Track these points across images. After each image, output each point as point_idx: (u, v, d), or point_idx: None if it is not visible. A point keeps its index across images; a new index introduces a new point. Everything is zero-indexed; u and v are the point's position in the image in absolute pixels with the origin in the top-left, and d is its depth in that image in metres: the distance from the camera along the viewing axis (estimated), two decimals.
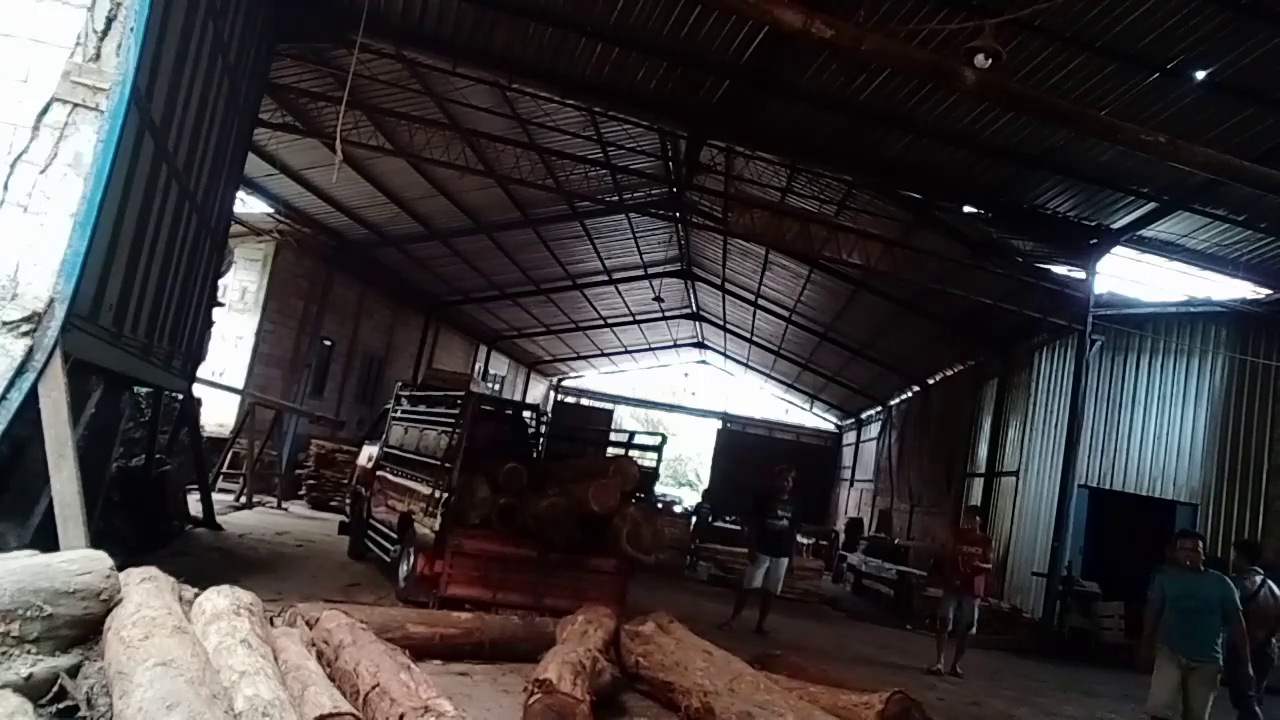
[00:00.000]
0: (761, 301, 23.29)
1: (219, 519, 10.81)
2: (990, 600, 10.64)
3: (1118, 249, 13.01)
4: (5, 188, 4.78)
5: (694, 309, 29.49)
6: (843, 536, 22.63)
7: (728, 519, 19.67)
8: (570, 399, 37.45)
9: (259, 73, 10.03)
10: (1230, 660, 7.17)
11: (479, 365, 29.80)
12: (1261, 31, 7.98)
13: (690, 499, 29.42)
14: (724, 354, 33.73)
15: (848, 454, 30.15)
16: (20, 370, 4.62)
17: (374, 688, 3.90)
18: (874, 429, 26.69)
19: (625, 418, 38.89)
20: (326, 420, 17.51)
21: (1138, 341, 14.09)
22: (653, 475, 8.93)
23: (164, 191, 6.61)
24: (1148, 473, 14.04)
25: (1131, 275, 14.16)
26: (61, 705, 3.24)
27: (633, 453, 9.10)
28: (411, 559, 7.89)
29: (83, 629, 3.50)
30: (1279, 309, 13.56)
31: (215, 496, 11.57)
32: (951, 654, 9.63)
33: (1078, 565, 13.35)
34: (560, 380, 38.31)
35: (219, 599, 3.99)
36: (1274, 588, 7.75)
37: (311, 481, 15.48)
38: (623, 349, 34.78)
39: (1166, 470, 14.02)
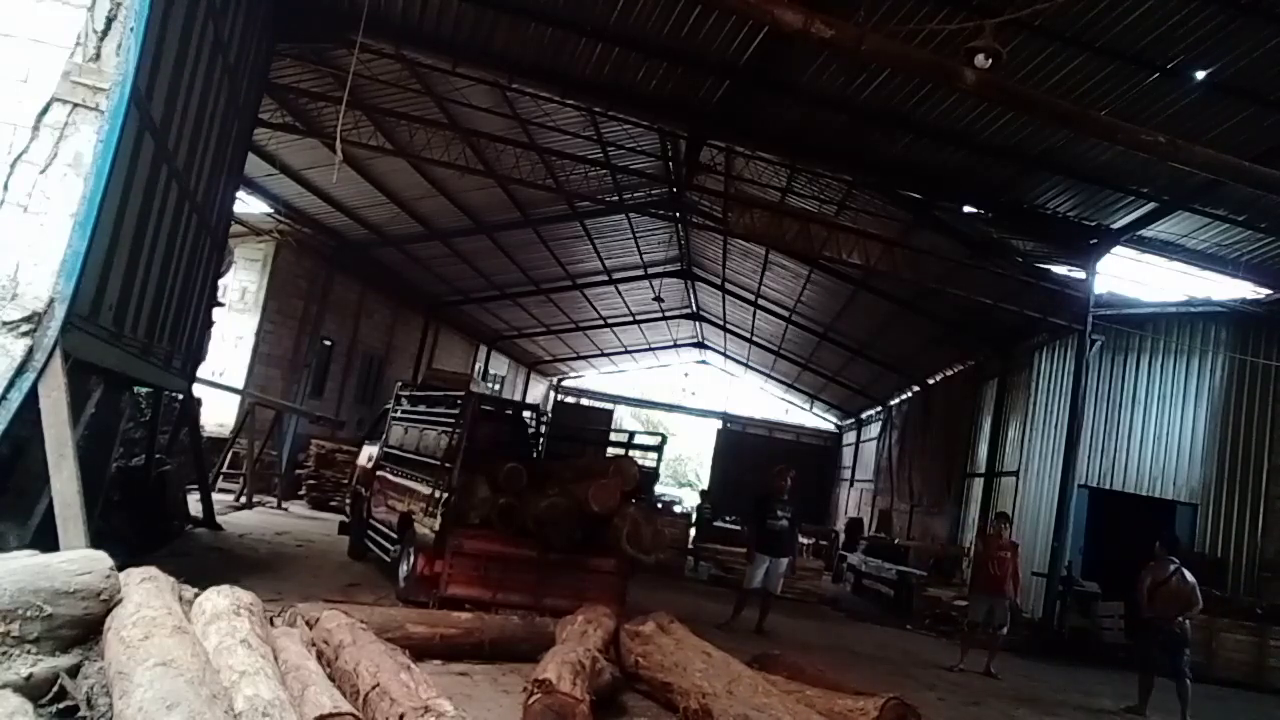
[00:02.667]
0: (761, 301, 23.28)
1: (219, 519, 10.81)
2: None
3: (1118, 249, 13.01)
4: (5, 188, 4.78)
5: (694, 309, 29.49)
6: (843, 536, 22.63)
7: (727, 519, 19.68)
8: (570, 399, 37.43)
9: (259, 73, 10.04)
10: (1143, 640, 9.40)
11: (479, 365, 29.80)
12: (1261, 31, 7.98)
13: (690, 499, 29.41)
14: (724, 354, 33.73)
15: (848, 454, 30.14)
16: (20, 370, 4.63)
17: (374, 688, 3.90)
18: (874, 429, 26.68)
19: (625, 418, 38.88)
20: (326, 420, 17.50)
21: (1138, 341, 14.10)
22: (653, 475, 8.93)
23: (164, 191, 6.62)
24: (1148, 473, 14.05)
25: (1131, 275, 14.16)
26: (61, 705, 3.24)
27: (633, 453, 9.11)
28: (411, 559, 7.89)
29: (83, 629, 3.50)
30: (1279, 309, 13.56)
31: (215, 496, 11.57)
32: (984, 657, 9.87)
33: (1078, 565, 13.35)
34: (560, 380, 38.30)
35: (219, 599, 3.99)
36: (1186, 575, 9.07)
37: (311, 481, 15.48)
38: (623, 349, 34.78)
39: (1166, 470, 14.03)
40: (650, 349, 35.21)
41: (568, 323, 29.56)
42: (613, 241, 21.78)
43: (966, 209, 13.18)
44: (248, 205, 15.50)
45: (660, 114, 12.15)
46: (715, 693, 5.00)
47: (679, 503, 24.72)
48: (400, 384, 12.21)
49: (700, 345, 34.58)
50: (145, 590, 3.78)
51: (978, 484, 17.46)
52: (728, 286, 24.08)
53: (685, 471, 50.17)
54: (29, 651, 3.30)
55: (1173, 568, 9.13)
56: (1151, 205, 11.64)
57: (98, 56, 4.92)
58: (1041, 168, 11.34)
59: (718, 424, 34.94)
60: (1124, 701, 9.39)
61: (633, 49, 10.61)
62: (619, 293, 26.36)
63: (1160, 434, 14.11)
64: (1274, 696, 11.32)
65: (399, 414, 10.38)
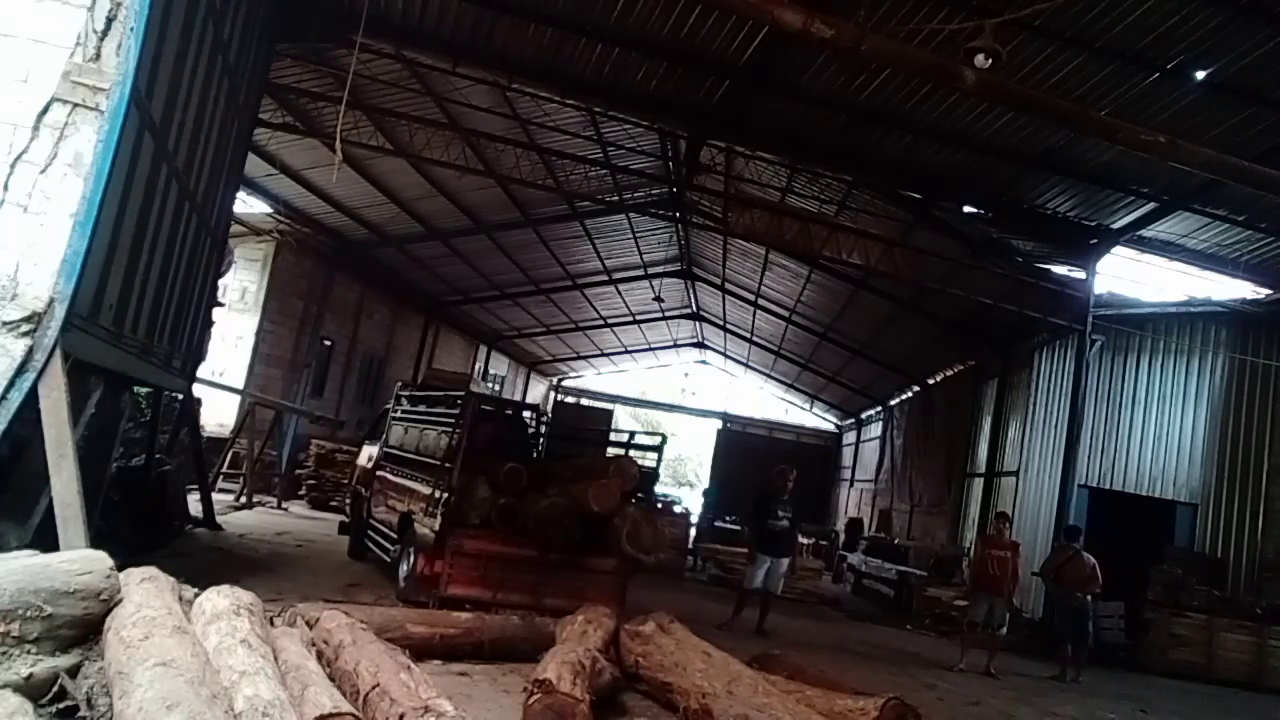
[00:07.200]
0: (761, 301, 23.28)
1: (219, 519, 10.81)
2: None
3: (1118, 249, 13.02)
4: (5, 188, 4.78)
5: (694, 309, 29.48)
6: (843, 536, 22.63)
7: (728, 519, 19.67)
8: (570, 399, 37.42)
9: (259, 73, 10.03)
10: (1054, 615, 11.27)
11: (479, 365, 29.79)
12: (1261, 31, 7.98)
13: (690, 499, 29.35)
14: (724, 354, 33.72)
15: (848, 454, 30.14)
16: (20, 370, 4.62)
17: (374, 688, 3.89)
18: (874, 429, 26.68)
19: (625, 418, 38.87)
20: (326, 420, 17.50)
21: (1138, 341, 14.09)
22: (653, 475, 8.93)
23: (164, 191, 6.61)
24: (1148, 473, 14.03)
25: (1131, 275, 14.18)
26: (61, 705, 3.24)
27: (633, 453, 9.10)
28: (411, 559, 7.89)
29: (83, 629, 3.49)
30: (1279, 309, 13.56)
31: (215, 496, 11.57)
32: (984, 657, 9.89)
33: None
34: (560, 380, 38.30)
35: (219, 599, 3.99)
36: (1085, 557, 10.68)
37: (311, 481, 15.47)
38: (623, 349, 34.77)
39: (1166, 470, 14.01)
40: (650, 349, 35.20)
41: (568, 323, 29.55)
42: (613, 241, 21.78)
43: (966, 209, 13.18)
44: (248, 205, 15.50)
45: (660, 114, 12.14)
46: (715, 693, 5.00)
47: (679, 502, 24.74)
48: (400, 384, 12.20)
49: (700, 345, 34.57)
50: (145, 590, 3.78)
51: (978, 484, 17.46)
52: (728, 286, 24.07)
53: (685, 471, 50.16)
54: (29, 651, 3.30)
55: (1072, 552, 10.86)
56: (1151, 205, 11.64)
57: (98, 56, 4.92)
58: (1041, 168, 11.34)
59: (718, 424, 34.93)
60: (1125, 701, 9.40)
61: (633, 49, 10.61)
62: (619, 293, 26.35)
63: (1160, 434, 14.10)
64: (1274, 696, 11.32)
65: (399, 414, 10.38)
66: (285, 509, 13.92)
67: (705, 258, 23.29)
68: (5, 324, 4.66)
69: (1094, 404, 13.75)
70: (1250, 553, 13.70)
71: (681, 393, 37.84)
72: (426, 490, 7.96)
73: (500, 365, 32.49)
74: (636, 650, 5.98)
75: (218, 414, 14.69)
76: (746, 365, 33.10)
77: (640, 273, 24.58)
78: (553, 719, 4.33)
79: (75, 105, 4.87)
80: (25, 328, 4.69)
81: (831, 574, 18.96)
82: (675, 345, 34.79)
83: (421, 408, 9.95)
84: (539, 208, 18.76)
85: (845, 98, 10.68)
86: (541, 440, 10.94)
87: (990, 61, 6.89)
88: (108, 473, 7.27)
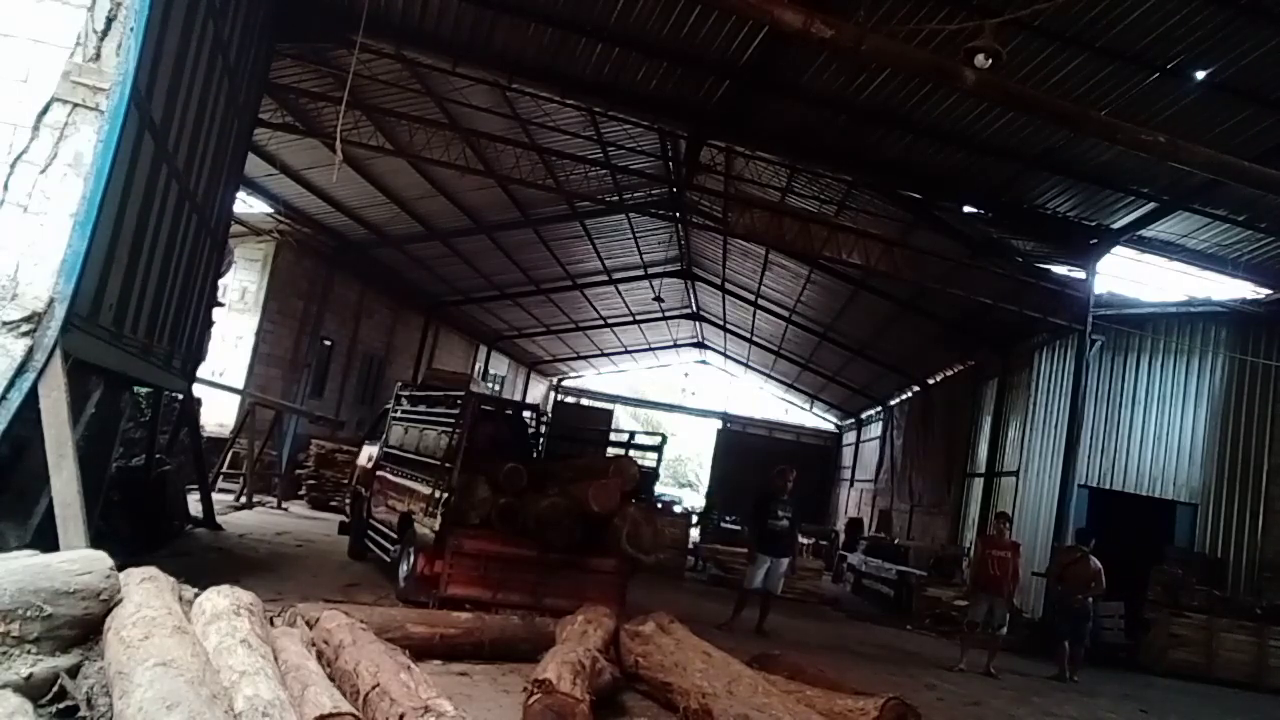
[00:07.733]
0: (761, 301, 23.29)
1: (219, 519, 10.81)
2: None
3: (1118, 249, 13.02)
4: (5, 188, 4.77)
5: (694, 309, 29.49)
6: (843, 536, 22.64)
7: (728, 519, 19.67)
8: (570, 399, 37.44)
9: (259, 73, 10.04)
10: (1055, 613, 11.30)
11: (479, 365, 29.80)
12: (1261, 31, 7.99)
13: (690, 499, 29.39)
14: (724, 354, 33.73)
15: (848, 454, 30.14)
16: (20, 370, 4.62)
17: (374, 688, 3.89)
18: (874, 429, 26.68)
19: (625, 418, 38.88)
20: (326, 420, 17.50)
21: (1138, 341, 14.09)
22: (653, 475, 8.93)
23: (164, 191, 6.61)
24: (1148, 473, 14.04)
25: (1131, 275, 14.18)
26: (61, 705, 3.24)
27: (633, 453, 9.10)
28: (411, 559, 7.89)
29: (83, 629, 3.49)
30: (1279, 309, 13.56)
31: (215, 496, 11.56)
32: (984, 657, 9.89)
33: None
34: (560, 380, 38.31)
35: (219, 599, 3.99)
36: (1093, 560, 10.65)
37: (311, 481, 15.47)
38: (623, 349, 34.78)
39: (1166, 470, 14.01)
40: (650, 349, 35.21)
41: (568, 323, 29.56)
42: (613, 241, 21.79)
43: (966, 209, 13.17)
44: (248, 205, 15.51)
45: (660, 114, 12.15)
46: (715, 692, 5.00)
47: (679, 502, 24.75)
48: (400, 384, 12.20)
49: (700, 345, 34.59)
50: (145, 590, 3.78)
51: (978, 484, 17.46)
52: (728, 286, 24.08)
53: (685, 471, 50.18)
54: (29, 651, 3.30)
55: (1080, 554, 10.87)
56: (1151, 205, 11.64)
57: (98, 56, 4.92)
58: (1041, 168, 11.34)
59: (718, 424, 34.94)
60: (1125, 701, 9.40)
61: (633, 49, 10.61)
62: (619, 293, 26.36)
63: (1160, 434, 14.10)
64: (1274, 696, 11.33)
65: (399, 414, 10.38)
66: (285, 509, 13.92)
67: (705, 258, 23.29)
68: (5, 324, 4.66)
69: (1094, 404, 13.75)
70: (1250, 553, 13.71)
71: (681, 393, 37.86)
72: (426, 490, 7.95)
73: (500, 365, 32.49)
74: (636, 650, 5.98)
75: (218, 414, 14.69)
76: (746, 365, 33.11)
77: (640, 273, 24.58)
78: (553, 719, 4.33)
79: (75, 105, 4.87)
80: (25, 328, 4.69)
81: (831, 574, 18.96)
82: (675, 345, 34.80)
83: (421, 408, 9.94)
84: (539, 208, 18.77)
85: (845, 98, 10.68)
86: (541, 440, 10.94)
87: (990, 61, 6.89)
88: (108, 473, 7.27)
